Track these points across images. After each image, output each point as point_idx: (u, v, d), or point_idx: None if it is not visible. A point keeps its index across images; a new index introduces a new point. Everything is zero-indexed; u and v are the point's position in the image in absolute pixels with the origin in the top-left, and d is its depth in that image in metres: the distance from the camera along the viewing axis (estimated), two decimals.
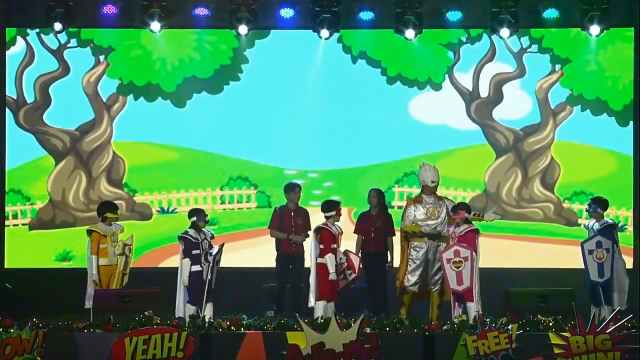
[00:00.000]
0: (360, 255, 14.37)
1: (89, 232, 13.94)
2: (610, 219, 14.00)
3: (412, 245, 13.57)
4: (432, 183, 13.68)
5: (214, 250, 13.46)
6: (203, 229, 13.62)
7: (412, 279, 13.54)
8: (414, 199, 13.90)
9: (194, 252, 13.45)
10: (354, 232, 14.65)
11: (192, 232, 13.56)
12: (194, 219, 13.63)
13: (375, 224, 14.29)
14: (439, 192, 13.97)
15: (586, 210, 13.93)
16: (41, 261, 16.01)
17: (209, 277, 13.33)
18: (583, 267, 13.62)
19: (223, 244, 13.69)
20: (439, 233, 13.57)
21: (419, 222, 13.57)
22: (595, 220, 13.69)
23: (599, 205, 13.74)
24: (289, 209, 14.51)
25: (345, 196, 15.63)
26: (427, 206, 13.62)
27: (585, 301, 13.39)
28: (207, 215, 13.72)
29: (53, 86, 16.19)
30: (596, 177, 16.14)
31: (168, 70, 16.20)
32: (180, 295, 13.43)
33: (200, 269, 13.40)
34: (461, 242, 13.31)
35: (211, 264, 13.38)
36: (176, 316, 13.04)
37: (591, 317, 12.18)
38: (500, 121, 16.23)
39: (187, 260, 13.39)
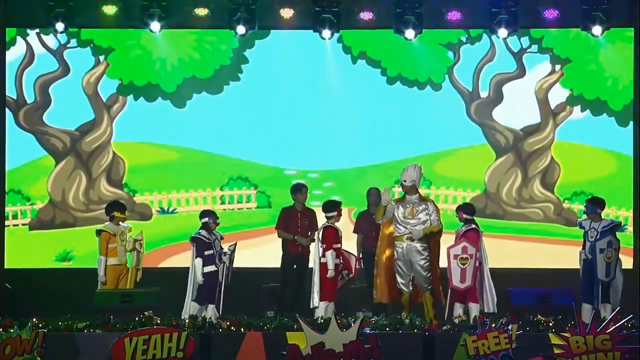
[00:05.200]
0: (360, 254, 14.40)
1: (98, 232, 13.94)
2: (615, 219, 13.98)
3: (395, 246, 13.55)
4: (404, 182, 13.59)
5: (229, 251, 13.48)
6: (214, 231, 13.62)
7: (401, 280, 13.48)
8: (398, 199, 13.84)
9: (206, 252, 13.46)
10: (354, 232, 14.66)
11: (204, 232, 13.56)
12: (206, 219, 13.63)
13: (376, 223, 14.25)
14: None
15: (584, 213, 13.89)
16: (41, 261, 16.00)
17: (224, 277, 13.38)
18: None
19: (235, 243, 13.73)
20: (415, 233, 13.47)
21: (399, 221, 13.50)
22: (592, 220, 13.64)
23: (597, 205, 13.72)
24: (296, 210, 14.49)
25: (345, 196, 15.62)
26: (407, 205, 13.58)
27: None
28: (218, 217, 13.74)
29: (53, 86, 16.19)
30: (596, 177, 16.14)
31: (168, 70, 16.20)
32: (190, 295, 13.43)
33: (214, 269, 13.42)
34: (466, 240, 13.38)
35: (227, 264, 13.41)
36: (184, 316, 13.04)
37: (590, 315, 12.23)
38: (500, 121, 16.23)
39: (199, 260, 13.38)
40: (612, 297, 13.32)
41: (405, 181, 13.59)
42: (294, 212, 14.48)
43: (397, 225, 13.50)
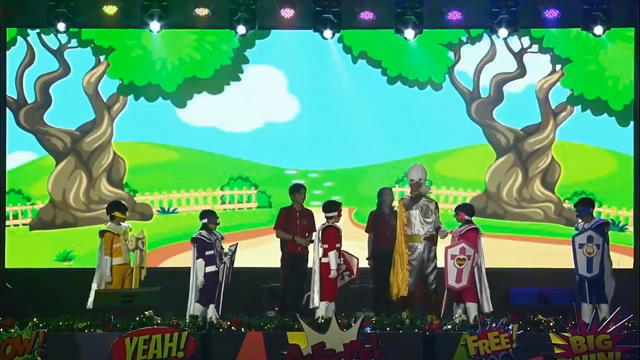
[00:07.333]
0: (371, 253, 14.39)
1: (102, 233, 13.94)
2: (603, 217, 13.93)
3: (408, 246, 13.54)
4: (420, 180, 13.59)
5: (230, 251, 13.48)
6: (214, 231, 13.61)
7: (410, 280, 13.51)
8: (407, 197, 13.80)
9: (207, 253, 13.44)
10: (366, 231, 14.62)
11: (204, 233, 13.54)
12: (205, 220, 13.62)
13: (390, 222, 14.22)
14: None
15: (577, 217, 13.78)
16: (41, 261, 16.01)
17: (224, 277, 13.38)
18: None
19: (237, 243, 13.73)
20: (432, 234, 13.54)
21: (420, 220, 13.52)
22: (585, 221, 13.56)
23: (589, 206, 13.64)
24: (295, 209, 14.47)
25: (345, 196, 15.64)
26: (422, 205, 13.61)
27: None
28: (218, 217, 13.73)
29: (53, 86, 16.20)
30: (596, 177, 16.14)
31: (168, 70, 16.20)
32: (193, 295, 13.43)
33: (215, 269, 13.41)
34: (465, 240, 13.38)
35: (228, 265, 13.42)
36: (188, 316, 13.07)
37: (590, 315, 12.24)
38: (501, 121, 16.24)
39: (200, 261, 13.39)
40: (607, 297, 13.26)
41: (420, 179, 13.62)
42: (292, 212, 14.47)
43: (416, 225, 13.52)
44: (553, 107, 16.23)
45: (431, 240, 13.53)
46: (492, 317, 12.44)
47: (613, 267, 13.37)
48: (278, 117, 16.19)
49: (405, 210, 13.58)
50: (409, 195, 13.63)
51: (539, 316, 12.69)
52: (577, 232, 13.46)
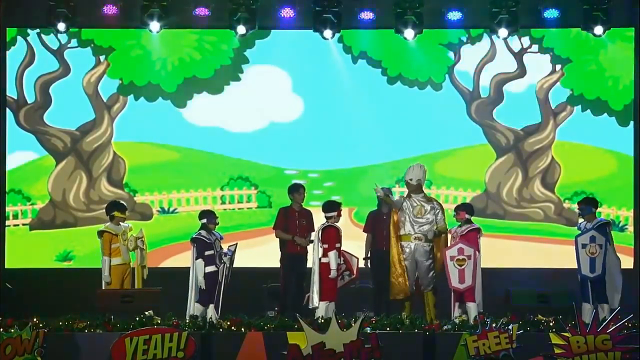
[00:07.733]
0: (369, 254, 14.39)
1: (100, 234, 13.93)
2: (604, 217, 13.93)
3: (399, 245, 13.55)
4: (410, 180, 13.64)
5: (230, 251, 13.48)
6: (213, 231, 13.61)
7: (407, 280, 13.50)
8: (405, 197, 13.82)
9: (207, 253, 13.43)
10: (364, 231, 14.63)
11: (204, 233, 13.54)
12: (205, 220, 13.62)
13: (388, 223, 14.22)
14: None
15: (579, 215, 13.81)
16: (41, 261, 16.00)
17: (224, 277, 13.38)
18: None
19: (236, 243, 13.73)
20: (424, 234, 13.51)
21: (409, 220, 13.51)
22: (587, 221, 13.57)
23: (592, 205, 13.65)
24: (294, 209, 14.47)
25: (345, 196, 15.64)
26: (415, 205, 13.61)
27: None
28: (217, 217, 13.73)
29: (53, 86, 16.20)
30: (596, 177, 16.15)
31: (168, 70, 16.20)
32: (192, 295, 13.42)
33: (214, 269, 13.41)
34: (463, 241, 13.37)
35: (228, 265, 13.42)
36: (188, 316, 13.07)
37: (591, 315, 12.23)
38: (501, 121, 16.24)
39: (200, 261, 13.39)
40: (611, 298, 13.23)
41: (411, 180, 13.64)
42: (291, 212, 14.47)
43: (406, 224, 13.51)
44: (553, 107, 16.23)
45: (425, 240, 13.48)
46: (492, 317, 12.44)
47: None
48: (282, 117, 16.18)
49: (396, 211, 13.62)
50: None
51: (539, 316, 12.69)
52: (579, 232, 13.45)
